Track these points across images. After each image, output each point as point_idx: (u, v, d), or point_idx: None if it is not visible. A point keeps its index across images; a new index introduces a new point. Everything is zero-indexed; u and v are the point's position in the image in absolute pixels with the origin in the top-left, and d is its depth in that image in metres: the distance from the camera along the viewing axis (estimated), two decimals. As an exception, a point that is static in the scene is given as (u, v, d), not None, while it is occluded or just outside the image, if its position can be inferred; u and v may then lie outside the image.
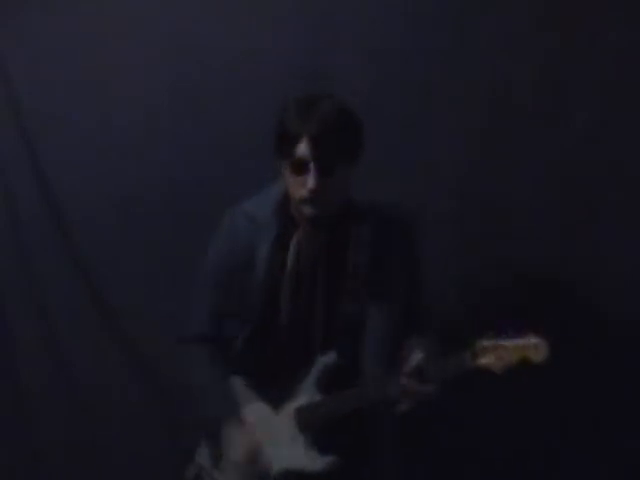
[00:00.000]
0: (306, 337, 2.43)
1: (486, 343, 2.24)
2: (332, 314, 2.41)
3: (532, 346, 2.22)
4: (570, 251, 2.87)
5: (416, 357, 2.32)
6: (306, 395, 2.40)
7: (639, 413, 2.87)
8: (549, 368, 2.20)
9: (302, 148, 2.27)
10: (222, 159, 3.04)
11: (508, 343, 2.23)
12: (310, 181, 2.27)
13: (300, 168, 2.28)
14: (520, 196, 2.87)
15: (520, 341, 2.23)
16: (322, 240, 2.40)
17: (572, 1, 2.82)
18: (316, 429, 2.39)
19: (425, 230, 2.49)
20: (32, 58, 3.15)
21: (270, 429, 2.41)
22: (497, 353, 2.23)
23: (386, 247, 2.41)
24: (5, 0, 3.16)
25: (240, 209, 2.47)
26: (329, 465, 2.36)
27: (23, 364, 3.23)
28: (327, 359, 2.40)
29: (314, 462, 2.37)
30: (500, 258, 2.89)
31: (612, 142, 2.82)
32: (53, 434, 3.23)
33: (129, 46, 3.10)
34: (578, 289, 2.88)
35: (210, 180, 3.03)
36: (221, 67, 3.05)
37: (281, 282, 2.40)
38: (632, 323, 2.86)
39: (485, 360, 2.24)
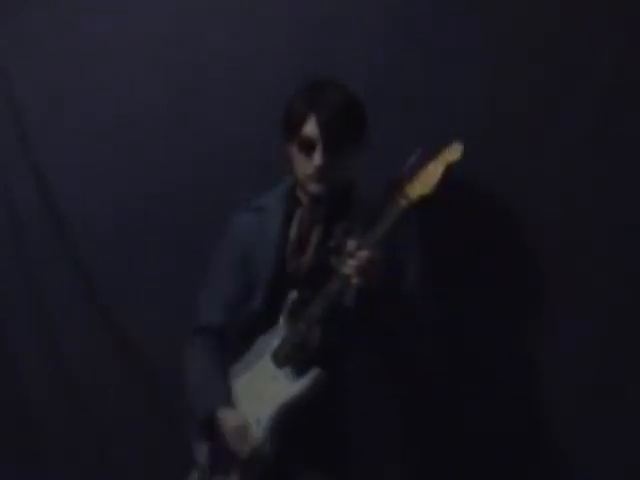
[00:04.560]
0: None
1: (408, 177, 2.30)
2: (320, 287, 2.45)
3: (447, 152, 2.29)
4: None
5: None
6: (277, 337, 2.45)
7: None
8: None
9: (309, 127, 2.43)
10: (222, 161, 3.04)
11: (425, 163, 2.30)
12: (317, 158, 2.42)
13: (307, 147, 2.44)
14: (520, 196, 2.87)
15: (434, 155, 2.30)
16: (321, 215, 2.51)
17: (572, 1, 2.83)
18: (294, 359, 2.42)
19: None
20: (32, 59, 3.15)
21: (254, 389, 2.46)
22: (421, 180, 2.29)
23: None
24: (4, 6, 3.17)
25: (245, 209, 2.61)
26: (314, 378, 2.38)
27: (23, 364, 3.23)
28: (289, 298, 2.45)
29: (299, 383, 2.39)
30: (501, 251, 2.90)
31: (613, 142, 2.82)
32: (53, 434, 3.23)
33: (129, 47, 3.10)
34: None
35: (210, 181, 3.03)
36: (221, 69, 3.04)
37: (286, 255, 2.52)
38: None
39: (414, 191, 2.29)
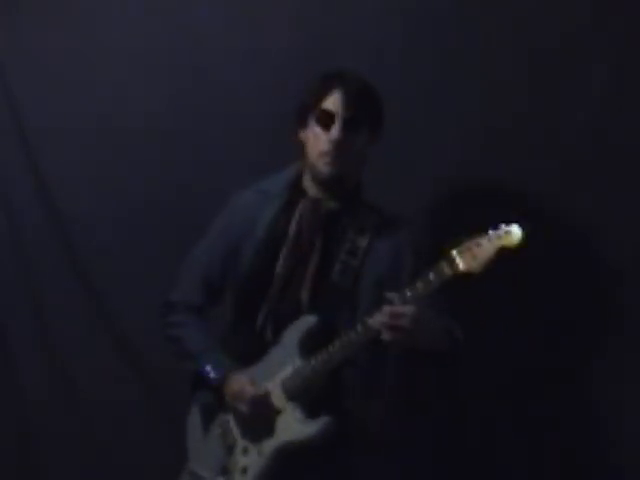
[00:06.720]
0: (295, 305, 2.43)
1: (459, 247, 2.20)
2: (322, 286, 2.42)
3: (504, 234, 2.17)
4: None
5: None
6: (289, 364, 2.38)
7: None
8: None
9: (331, 101, 2.39)
10: (222, 160, 3.05)
11: (480, 239, 2.19)
12: (334, 132, 2.37)
13: (325, 120, 2.39)
14: (520, 195, 2.87)
15: (491, 233, 2.19)
16: (324, 212, 2.45)
17: (572, 0, 2.82)
18: (304, 395, 2.36)
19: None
20: (32, 64, 3.17)
21: None
22: (472, 253, 2.19)
23: (386, 241, 2.44)
24: (4, 5, 3.17)
25: (253, 187, 2.55)
26: (323, 427, 2.32)
27: (23, 364, 3.23)
28: (307, 323, 2.38)
29: (308, 428, 2.34)
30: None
31: (614, 141, 2.81)
32: (53, 434, 3.24)
33: (128, 49, 3.10)
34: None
35: (210, 182, 3.03)
36: (220, 70, 3.06)
37: (280, 247, 2.45)
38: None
39: (463, 264, 2.19)
